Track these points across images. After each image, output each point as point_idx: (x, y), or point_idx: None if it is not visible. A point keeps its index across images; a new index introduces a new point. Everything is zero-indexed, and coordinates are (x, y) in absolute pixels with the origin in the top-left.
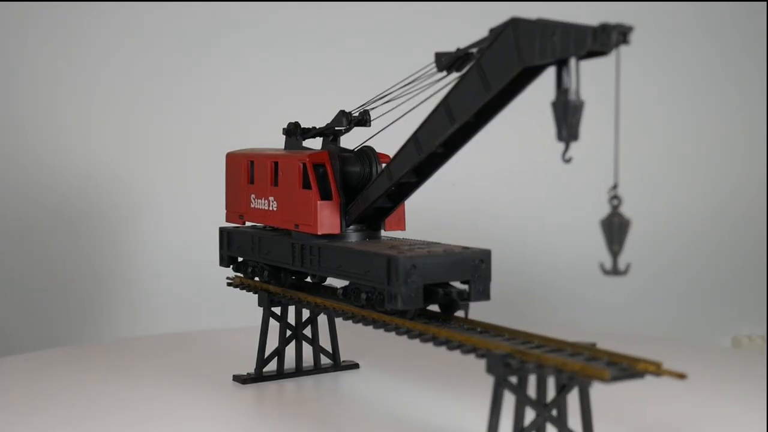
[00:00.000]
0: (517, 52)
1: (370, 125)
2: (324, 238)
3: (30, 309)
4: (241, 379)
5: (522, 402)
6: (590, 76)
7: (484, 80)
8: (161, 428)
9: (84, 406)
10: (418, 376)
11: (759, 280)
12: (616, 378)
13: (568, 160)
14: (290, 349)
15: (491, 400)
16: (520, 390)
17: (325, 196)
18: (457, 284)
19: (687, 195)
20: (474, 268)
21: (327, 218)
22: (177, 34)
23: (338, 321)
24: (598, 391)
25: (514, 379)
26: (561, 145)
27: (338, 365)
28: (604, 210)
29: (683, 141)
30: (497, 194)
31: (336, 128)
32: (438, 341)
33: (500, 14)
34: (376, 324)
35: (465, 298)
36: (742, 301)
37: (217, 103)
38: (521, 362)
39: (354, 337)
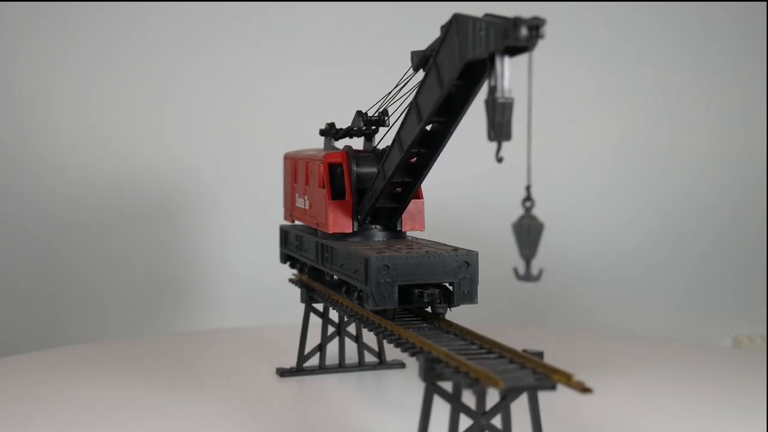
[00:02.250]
0: (459, 48)
1: (388, 125)
2: (340, 237)
3: (81, 304)
4: (281, 372)
5: (456, 409)
6: (591, 75)
7: (438, 77)
8: (177, 417)
9: (137, 393)
10: None
11: (759, 280)
12: (509, 389)
13: (500, 160)
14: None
15: (421, 406)
16: (454, 397)
17: (338, 195)
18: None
19: (687, 194)
20: (457, 270)
21: (338, 217)
22: (252, 35)
23: None
24: (592, 395)
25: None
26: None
27: (383, 363)
28: (609, 210)
29: (682, 139)
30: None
31: (363, 128)
32: (399, 342)
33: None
34: (365, 322)
35: (439, 301)
36: (742, 301)
37: (284, 102)
38: (446, 367)
39: None
